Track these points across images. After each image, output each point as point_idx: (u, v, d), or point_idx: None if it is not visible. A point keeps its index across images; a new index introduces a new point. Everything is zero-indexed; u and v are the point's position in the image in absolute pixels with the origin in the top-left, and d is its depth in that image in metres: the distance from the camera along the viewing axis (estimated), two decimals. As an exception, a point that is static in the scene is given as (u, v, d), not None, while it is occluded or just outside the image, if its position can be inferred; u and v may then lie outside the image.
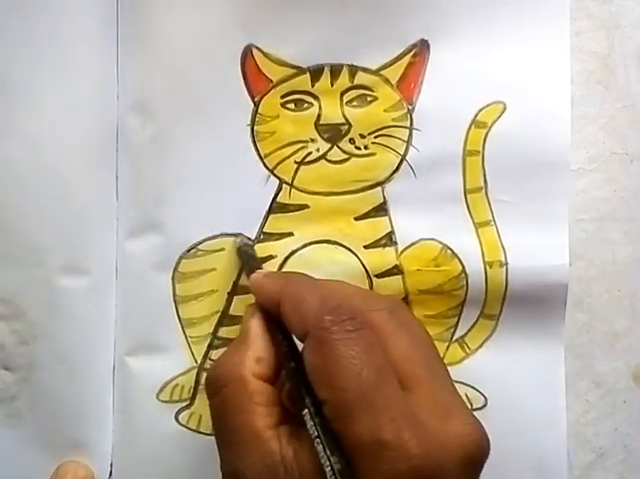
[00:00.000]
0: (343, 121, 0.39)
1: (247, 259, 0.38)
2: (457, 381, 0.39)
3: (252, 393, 0.31)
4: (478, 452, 0.30)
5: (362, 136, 0.39)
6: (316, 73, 0.39)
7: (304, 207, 0.39)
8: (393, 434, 0.28)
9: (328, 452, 0.28)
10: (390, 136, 0.39)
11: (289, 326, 0.33)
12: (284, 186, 0.39)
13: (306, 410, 0.30)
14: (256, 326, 0.34)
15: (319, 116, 0.39)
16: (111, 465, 0.39)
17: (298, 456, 0.29)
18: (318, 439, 0.29)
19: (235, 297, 0.39)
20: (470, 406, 0.40)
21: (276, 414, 0.31)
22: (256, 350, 0.33)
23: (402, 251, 0.39)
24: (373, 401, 0.28)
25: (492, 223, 0.39)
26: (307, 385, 0.30)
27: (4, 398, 0.39)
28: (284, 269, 0.39)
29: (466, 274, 0.39)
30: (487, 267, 0.39)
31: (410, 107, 0.39)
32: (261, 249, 0.39)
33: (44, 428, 0.39)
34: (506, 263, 0.39)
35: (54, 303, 0.38)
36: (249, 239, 0.39)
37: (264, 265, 0.39)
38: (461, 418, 0.30)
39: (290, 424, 0.31)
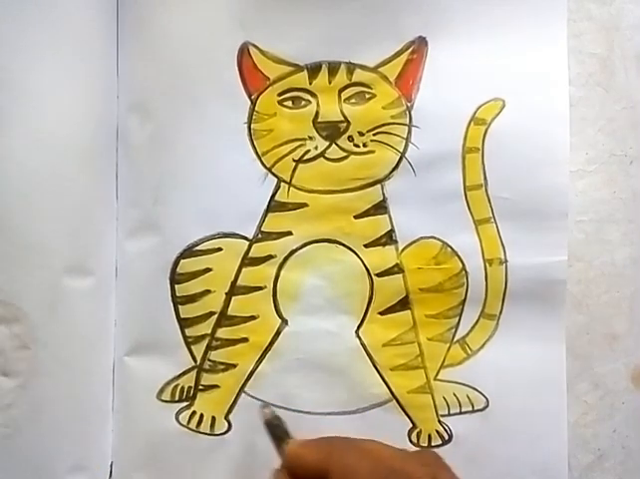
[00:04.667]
0: (341, 118, 0.39)
1: (277, 432, 0.36)
2: (458, 383, 0.39)
3: None
4: None
5: (361, 133, 0.39)
6: (314, 70, 0.39)
7: (303, 205, 0.39)
8: None
9: None
10: (389, 133, 0.39)
11: None
12: (282, 184, 0.39)
13: None
14: None
15: (317, 113, 0.39)
16: (111, 465, 0.39)
17: None
18: None
19: (233, 298, 0.39)
20: (471, 407, 0.39)
21: None
22: None
23: (402, 250, 0.39)
24: None
25: (492, 220, 0.39)
26: None
27: (-1, 406, 0.38)
28: (284, 269, 0.39)
29: (466, 272, 0.39)
30: (487, 265, 0.39)
31: (409, 104, 0.39)
32: (260, 249, 0.39)
33: (40, 439, 0.38)
34: (506, 261, 0.39)
35: (57, 304, 0.38)
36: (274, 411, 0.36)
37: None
38: None
39: None
